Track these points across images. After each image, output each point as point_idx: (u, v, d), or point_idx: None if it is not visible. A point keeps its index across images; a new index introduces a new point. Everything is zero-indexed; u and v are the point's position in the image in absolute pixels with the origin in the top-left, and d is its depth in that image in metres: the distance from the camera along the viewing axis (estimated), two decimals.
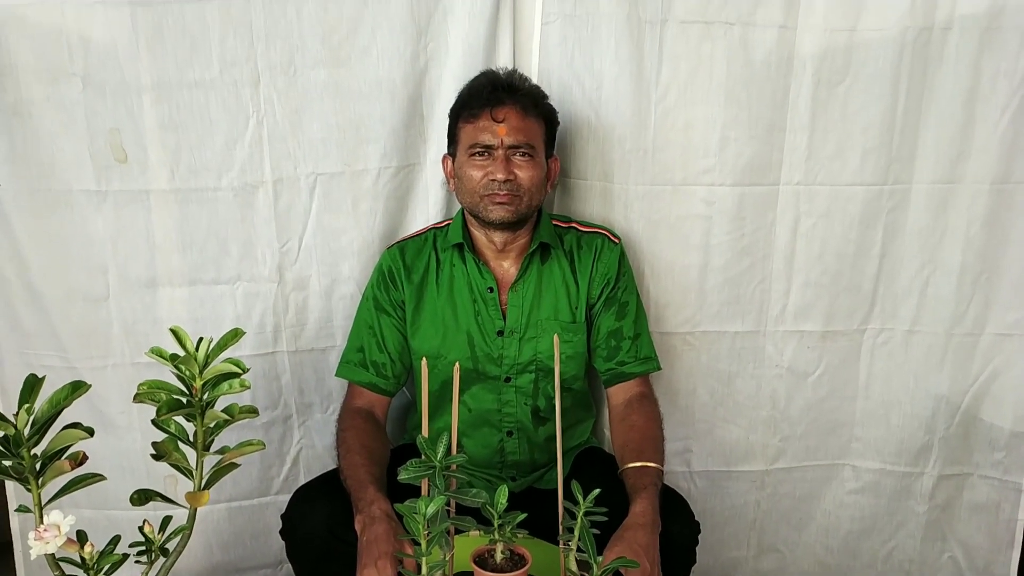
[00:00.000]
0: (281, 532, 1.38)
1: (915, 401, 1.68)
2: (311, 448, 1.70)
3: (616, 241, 1.52)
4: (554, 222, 1.53)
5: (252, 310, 1.58)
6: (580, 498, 1.12)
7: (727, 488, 1.76)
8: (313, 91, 1.49)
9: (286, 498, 1.42)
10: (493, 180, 1.39)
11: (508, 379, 1.48)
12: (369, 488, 1.28)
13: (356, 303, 1.58)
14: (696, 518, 1.36)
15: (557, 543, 1.20)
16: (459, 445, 1.48)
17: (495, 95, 1.39)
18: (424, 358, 1.17)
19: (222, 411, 1.06)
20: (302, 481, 1.66)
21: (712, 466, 1.75)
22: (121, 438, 1.58)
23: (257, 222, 1.54)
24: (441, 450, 1.09)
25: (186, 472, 1.07)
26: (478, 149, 1.40)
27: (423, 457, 1.10)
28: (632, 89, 1.51)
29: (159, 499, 1.05)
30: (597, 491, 1.10)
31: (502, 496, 1.10)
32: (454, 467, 1.10)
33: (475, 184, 1.40)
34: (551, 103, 1.47)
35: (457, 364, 1.13)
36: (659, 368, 1.53)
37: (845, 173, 1.55)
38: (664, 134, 1.53)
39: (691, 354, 1.67)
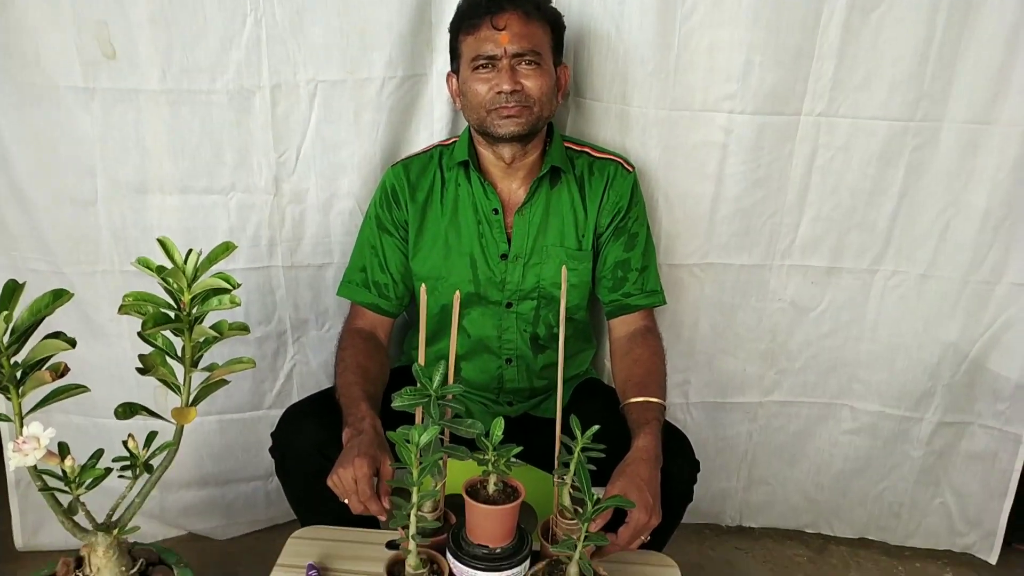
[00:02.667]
0: (270, 450, 1.37)
1: (922, 347, 1.66)
2: (305, 365, 1.69)
3: (630, 169, 1.46)
4: (566, 144, 1.47)
5: (247, 222, 1.53)
6: (578, 433, 1.09)
7: (721, 419, 1.76)
8: None
9: (278, 413, 1.42)
10: (499, 92, 1.32)
11: (509, 304, 1.45)
12: (361, 405, 1.26)
13: (355, 219, 1.54)
14: (696, 456, 1.35)
15: (552, 473, 1.19)
16: (457, 369, 1.45)
17: (494, 2, 1.31)
18: (423, 283, 1.13)
19: (211, 327, 1.03)
20: (295, 397, 1.68)
21: (708, 397, 1.74)
22: (111, 346, 1.55)
23: (253, 129, 1.47)
24: (437, 379, 1.06)
25: (174, 387, 1.04)
26: (481, 61, 1.33)
27: (419, 385, 1.07)
28: (657, 5, 1.42)
29: (145, 413, 1.02)
30: (596, 428, 1.07)
31: (497, 428, 1.07)
32: (450, 396, 1.07)
33: (481, 99, 1.34)
34: (555, 8, 1.39)
35: (457, 292, 1.09)
36: (664, 302, 1.49)
37: (870, 106, 1.48)
38: (687, 56, 1.44)
39: (696, 286, 1.64)
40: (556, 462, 1.16)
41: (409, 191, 1.43)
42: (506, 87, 1.31)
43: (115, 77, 1.39)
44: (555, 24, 1.38)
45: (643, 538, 1.15)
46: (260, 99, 1.45)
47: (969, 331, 1.63)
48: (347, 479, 1.13)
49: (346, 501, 1.15)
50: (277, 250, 1.56)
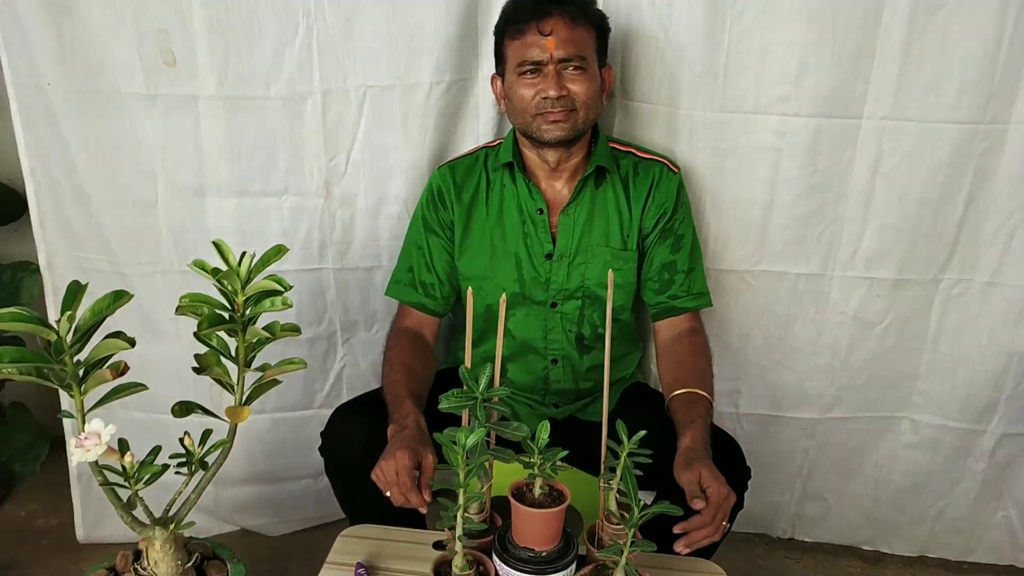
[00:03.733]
0: (320, 449, 1.39)
1: (986, 357, 1.59)
2: (354, 366, 1.71)
3: (675, 171, 1.44)
4: (611, 144, 1.46)
5: (299, 224, 1.56)
6: (624, 438, 1.08)
7: (775, 433, 1.71)
8: None
9: (328, 412, 1.43)
10: (545, 97, 1.32)
11: (554, 304, 1.45)
12: (405, 402, 1.27)
13: (403, 223, 1.56)
14: (752, 472, 1.33)
15: (598, 477, 1.18)
16: (503, 371, 1.46)
17: (540, 6, 1.30)
18: (469, 285, 1.14)
19: (263, 328, 1.05)
20: (344, 397, 1.70)
21: (761, 409, 1.70)
22: (170, 344, 1.60)
23: (305, 134, 1.49)
24: (483, 381, 1.07)
25: (228, 387, 1.07)
26: (527, 67, 1.32)
27: (465, 387, 1.08)
28: (706, 7, 1.40)
29: (200, 412, 1.05)
30: (642, 433, 1.06)
31: (543, 432, 1.07)
32: (496, 399, 1.07)
33: (527, 104, 1.34)
34: (600, 10, 1.38)
35: (504, 295, 1.09)
36: (711, 304, 1.47)
37: (939, 108, 1.42)
38: (738, 58, 1.42)
39: (748, 293, 1.60)
40: (602, 467, 1.15)
41: (455, 192, 1.44)
42: (552, 92, 1.31)
43: (175, 84, 1.43)
44: (600, 27, 1.37)
45: (725, 524, 1.12)
46: (312, 105, 1.47)
47: None
48: (389, 471, 1.15)
49: (388, 493, 1.16)
50: (328, 253, 1.59)
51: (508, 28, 1.35)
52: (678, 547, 1.10)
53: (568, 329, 1.47)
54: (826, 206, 1.51)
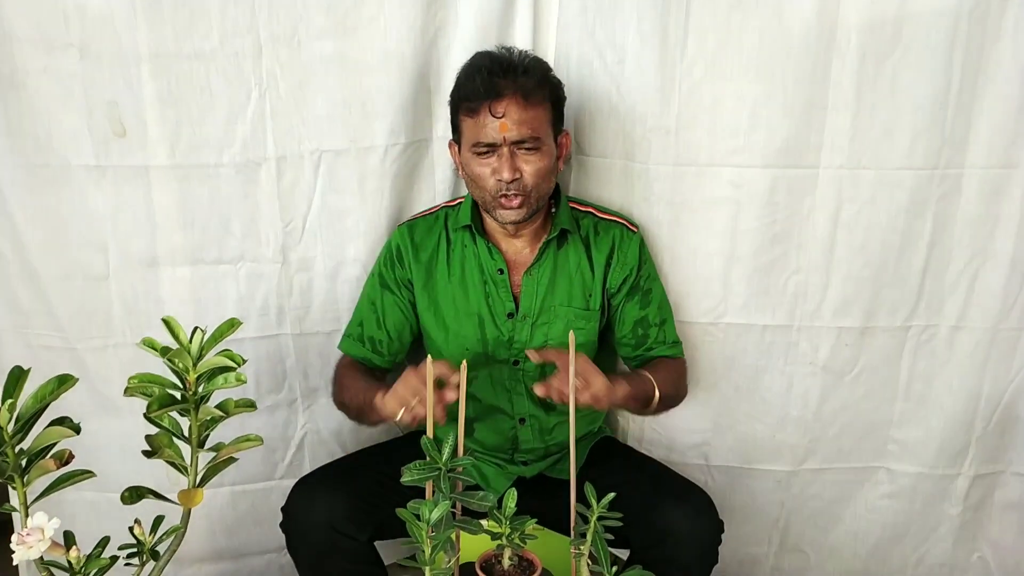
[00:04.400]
0: (281, 525, 1.35)
1: (956, 401, 1.58)
2: (316, 433, 1.66)
3: (635, 230, 1.46)
4: (572, 204, 1.47)
5: (255, 291, 1.53)
6: (593, 501, 1.06)
7: (749, 486, 1.68)
8: (318, 63, 1.41)
9: (290, 483, 1.40)
10: (499, 180, 1.31)
11: (516, 363, 1.44)
12: (374, 384, 1.31)
13: (362, 285, 1.53)
14: (720, 516, 1.32)
15: (568, 534, 1.16)
16: (470, 431, 1.43)
17: (492, 85, 1.28)
18: (429, 356, 1.12)
19: (217, 406, 1.03)
20: (307, 466, 1.66)
21: (733, 462, 1.66)
22: (124, 420, 1.55)
23: (260, 200, 1.48)
24: (447, 451, 1.04)
25: (181, 468, 1.04)
26: (482, 148, 1.32)
27: (428, 458, 1.05)
28: (656, 63, 1.41)
29: (151, 496, 1.01)
30: (611, 496, 1.04)
31: (511, 500, 1.05)
32: (460, 469, 1.05)
33: (484, 182, 1.34)
34: (556, 77, 1.37)
35: (464, 363, 1.08)
36: (682, 355, 1.49)
37: (894, 156, 1.42)
38: (690, 111, 1.42)
39: (713, 346, 1.58)
40: (572, 532, 1.12)
41: (413, 251, 1.44)
42: (506, 176, 1.30)
43: (125, 154, 1.42)
44: (556, 98, 1.36)
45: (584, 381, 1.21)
46: (266, 171, 1.46)
47: (999, 380, 1.55)
48: (406, 384, 1.20)
49: (402, 411, 1.19)
50: (286, 318, 1.56)
51: (461, 104, 1.33)
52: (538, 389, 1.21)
53: (531, 388, 1.44)
54: (788, 256, 1.51)
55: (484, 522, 1.07)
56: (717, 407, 1.63)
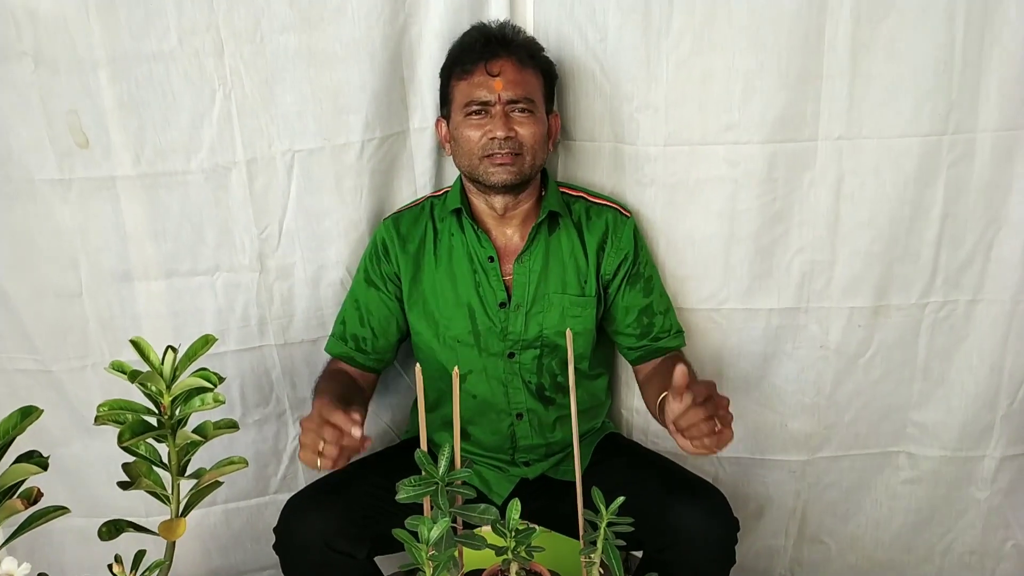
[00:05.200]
0: (274, 547, 1.29)
1: (978, 379, 1.50)
2: None
3: (627, 215, 1.40)
4: (562, 189, 1.42)
5: (234, 302, 1.47)
6: (602, 507, 0.99)
7: (762, 477, 1.61)
8: (284, 58, 1.35)
9: (285, 497, 1.35)
10: (492, 138, 1.28)
11: (511, 355, 1.38)
12: (323, 397, 1.22)
13: (346, 289, 1.48)
14: (734, 514, 1.26)
15: (575, 536, 1.12)
16: (465, 434, 1.38)
17: (488, 48, 1.29)
18: (418, 364, 1.06)
19: (195, 430, 0.97)
20: (301, 479, 1.61)
21: (743, 452, 1.59)
22: (107, 442, 1.44)
23: (232, 207, 1.41)
24: (443, 463, 0.98)
25: (162, 498, 0.98)
26: (474, 107, 1.29)
27: (423, 473, 0.99)
28: (640, 38, 1.34)
29: (131, 529, 0.96)
30: (621, 500, 0.98)
31: (514, 511, 0.99)
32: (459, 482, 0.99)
33: (473, 145, 1.30)
34: (548, 56, 1.35)
35: (456, 369, 1.01)
36: (684, 344, 1.44)
37: (897, 123, 1.35)
38: (679, 88, 1.35)
39: (717, 333, 1.51)
40: (581, 540, 1.06)
41: (399, 243, 1.39)
42: (500, 133, 1.27)
43: (90, 166, 1.36)
44: (548, 73, 1.35)
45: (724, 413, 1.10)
46: (236, 175, 1.39)
47: (1022, 354, 1.47)
48: (311, 418, 1.09)
49: (321, 448, 1.07)
50: (268, 328, 1.50)
51: (455, 69, 1.32)
52: (682, 444, 1.10)
53: (527, 380, 1.39)
54: (791, 234, 1.43)
55: (487, 528, 1.01)
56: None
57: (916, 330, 1.49)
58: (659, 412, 1.27)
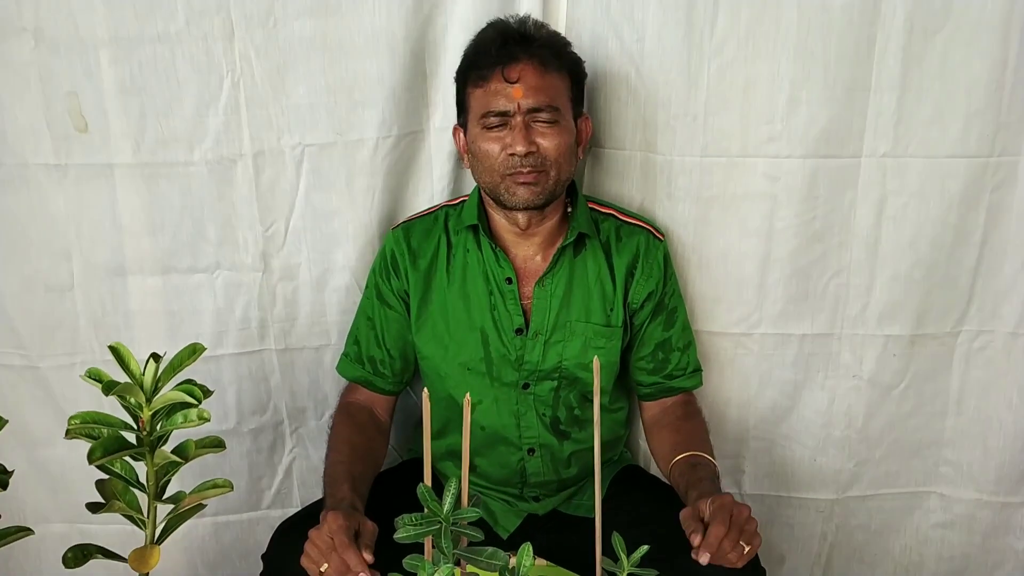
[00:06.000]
0: (261, 575, 1.20)
1: (1018, 418, 1.42)
2: (305, 459, 1.52)
3: (661, 238, 1.30)
4: (590, 205, 1.31)
5: (234, 303, 1.39)
6: (623, 555, 0.89)
7: (787, 517, 1.52)
8: (298, 46, 1.27)
9: (279, 513, 1.30)
10: (512, 154, 1.16)
11: (526, 386, 1.28)
12: (343, 485, 1.14)
13: (352, 295, 1.40)
14: (762, 563, 1.15)
15: (586, 573, 1.04)
16: (471, 464, 1.28)
17: (506, 50, 1.16)
18: (425, 389, 0.96)
19: (174, 450, 0.88)
20: (296, 495, 1.53)
21: (769, 490, 1.51)
22: None
23: (236, 202, 1.34)
24: (448, 500, 0.89)
25: (139, 522, 0.89)
26: (492, 118, 1.17)
27: (425, 511, 0.90)
28: (681, 41, 1.26)
29: (101, 556, 0.87)
30: (644, 549, 0.88)
31: (526, 557, 0.89)
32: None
33: (492, 161, 1.18)
34: (576, 53, 1.24)
35: (468, 395, 0.92)
36: (702, 384, 1.35)
37: (945, 142, 1.28)
38: (719, 95, 1.27)
39: (747, 359, 1.42)
40: None
41: (410, 258, 1.28)
42: (520, 148, 1.15)
43: (88, 152, 1.29)
44: (575, 73, 1.23)
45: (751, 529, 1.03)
46: (242, 168, 1.32)
47: None
48: (321, 538, 1.01)
49: (322, 569, 1.00)
50: (269, 332, 1.41)
51: (470, 74, 1.20)
52: (700, 557, 1.00)
53: (542, 413, 1.29)
54: (829, 256, 1.35)
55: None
56: (752, 428, 1.47)
57: (949, 360, 1.42)
58: (668, 474, 1.22)
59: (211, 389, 0.87)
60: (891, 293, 1.36)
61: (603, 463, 1.34)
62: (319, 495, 1.21)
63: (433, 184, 1.40)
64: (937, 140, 1.28)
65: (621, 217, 1.30)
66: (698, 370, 1.34)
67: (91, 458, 0.82)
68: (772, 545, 1.51)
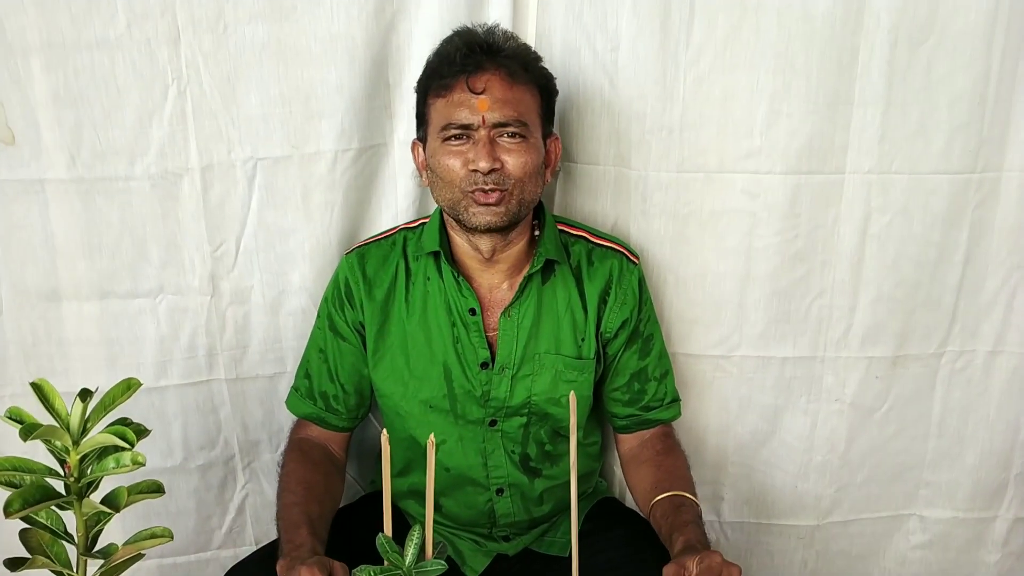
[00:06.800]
0: None
1: (994, 435, 1.42)
2: (260, 494, 1.43)
3: (636, 261, 1.22)
4: (560, 227, 1.23)
5: (179, 329, 1.30)
6: None
7: (767, 544, 1.48)
8: (249, 52, 1.20)
9: (230, 554, 1.23)
10: (475, 170, 1.08)
11: (493, 422, 1.20)
12: (301, 530, 1.07)
13: (309, 319, 1.31)
14: None
15: None
16: (436, 505, 1.20)
17: (472, 59, 1.08)
18: (384, 430, 0.88)
19: (104, 499, 0.79)
20: (249, 533, 1.44)
21: (748, 517, 1.47)
22: None
23: (182, 220, 1.26)
24: (411, 551, 0.82)
25: None
26: (454, 130, 1.09)
27: (386, 563, 0.83)
28: (656, 51, 1.21)
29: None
30: None
31: None
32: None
33: (453, 177, 1.09)
34: (547, 67, 1.16)
35: (432, 437, 0.84)
36: (680, 415, 1.29)
37: (928, 158, 1.26)
38: (696, 108, 1.23)
39: (726, 383, 1.38)
40: None
41: (365, 287, 1.20)
42: (483, 164, 1.06)
43: (16, 166, 1.20)
44: (545, 88, 1.15)
45: None
46: (189, 184, 1.24)
47: None
48: None
49: None
50: (218, 360, 1.33)
51: (432, 83, 1.11)
52: None
53: (511, 450, 1.22)
54: (811, 276, 1.32)
55: None
56: (731, 454, 1.43)
57: (932, 382, 1.41)
58: (649, 513, 1.17)
59: (149, 428, 0.80)
60: (874, 314, 1.34)
61: (578, 497, 1.28)
62: (275, 534, 1.13)
63: (398, 201, 1.32)
64: (920, 155, 1.26)
65: (592, 239, 1.23)
66: (676, 400, 1.28)
67: (7, 511, 0.74)
68: (752, 574, 1.48)
